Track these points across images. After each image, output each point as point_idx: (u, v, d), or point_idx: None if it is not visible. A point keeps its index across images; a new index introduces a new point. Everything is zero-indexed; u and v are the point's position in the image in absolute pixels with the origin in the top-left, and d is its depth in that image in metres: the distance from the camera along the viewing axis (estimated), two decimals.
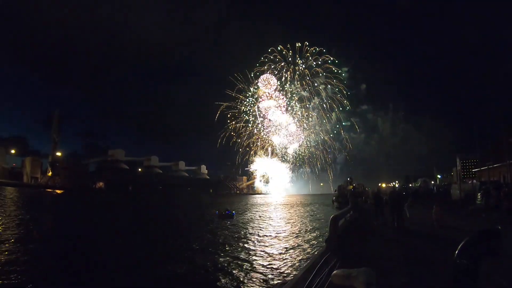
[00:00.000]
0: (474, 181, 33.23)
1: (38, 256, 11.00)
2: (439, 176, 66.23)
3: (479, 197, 19.38)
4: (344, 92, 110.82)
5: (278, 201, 59.52)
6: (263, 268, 9.64)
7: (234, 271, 9.31)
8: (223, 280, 8.46)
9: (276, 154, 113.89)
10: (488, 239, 2.23)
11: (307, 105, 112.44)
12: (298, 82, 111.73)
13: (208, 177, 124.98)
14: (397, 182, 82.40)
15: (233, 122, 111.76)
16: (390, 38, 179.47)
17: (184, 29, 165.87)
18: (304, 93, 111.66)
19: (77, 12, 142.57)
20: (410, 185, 76.46)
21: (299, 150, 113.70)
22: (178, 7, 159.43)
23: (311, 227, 19.81)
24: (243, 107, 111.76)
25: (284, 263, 10.35)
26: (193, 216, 26.10)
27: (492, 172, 29.64)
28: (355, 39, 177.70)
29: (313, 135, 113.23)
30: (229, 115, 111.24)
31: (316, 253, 8.79)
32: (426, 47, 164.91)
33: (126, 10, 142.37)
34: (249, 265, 10.10)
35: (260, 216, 27.64)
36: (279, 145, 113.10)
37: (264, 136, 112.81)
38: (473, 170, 52.65)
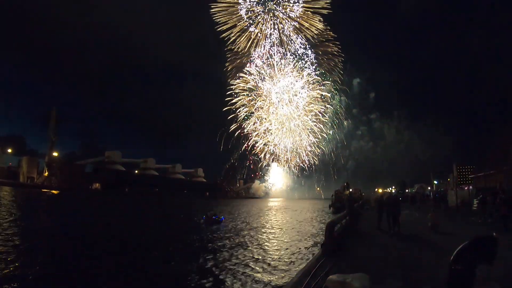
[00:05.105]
0: (471, 187, 33.41)
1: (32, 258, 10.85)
2: (435, 182, 66.46)
3: (475, 203, 19.51)
4: (355, 102, 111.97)
5: (274, 206, 59.31)
6: None
7: None
8: None
9: (280, 161, 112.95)
10: (483, 245, 2.23)
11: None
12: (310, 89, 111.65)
13: (204, 180, 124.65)
14: (393, 187, 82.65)
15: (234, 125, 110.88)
16: (391, 48, 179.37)
17: (184, 30, 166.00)
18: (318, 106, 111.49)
19: (74, 12, 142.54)
20: (407, 190, 76.68)
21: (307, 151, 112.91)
22: (177, 8, 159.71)
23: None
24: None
25: None
26: (173, 222, 24.69)
27: (488, 179, 29.81)
28: (367, 50, 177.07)
29: (323, 142, 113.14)
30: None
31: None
32: (425, 56, 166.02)
33: (124, 11, 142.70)
34: None
35: (250, 223, 27.39)
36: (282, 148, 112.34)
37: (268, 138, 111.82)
38: (470, 177, 52.86)
